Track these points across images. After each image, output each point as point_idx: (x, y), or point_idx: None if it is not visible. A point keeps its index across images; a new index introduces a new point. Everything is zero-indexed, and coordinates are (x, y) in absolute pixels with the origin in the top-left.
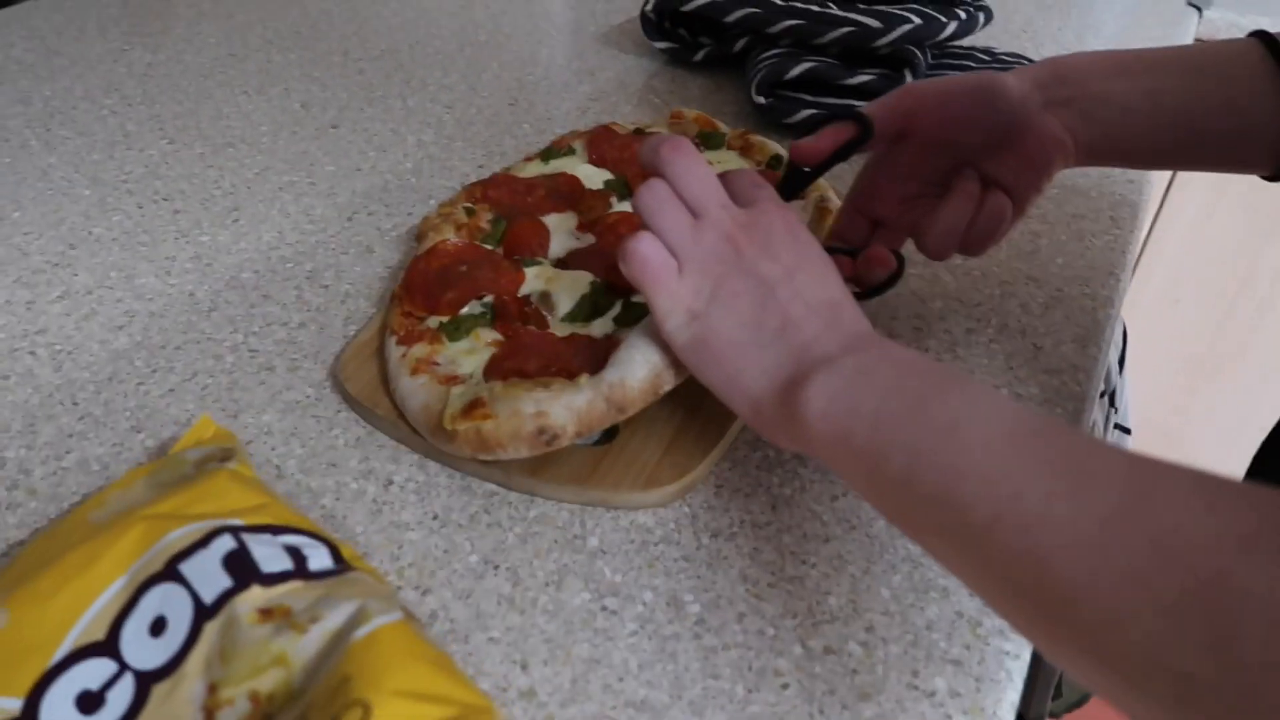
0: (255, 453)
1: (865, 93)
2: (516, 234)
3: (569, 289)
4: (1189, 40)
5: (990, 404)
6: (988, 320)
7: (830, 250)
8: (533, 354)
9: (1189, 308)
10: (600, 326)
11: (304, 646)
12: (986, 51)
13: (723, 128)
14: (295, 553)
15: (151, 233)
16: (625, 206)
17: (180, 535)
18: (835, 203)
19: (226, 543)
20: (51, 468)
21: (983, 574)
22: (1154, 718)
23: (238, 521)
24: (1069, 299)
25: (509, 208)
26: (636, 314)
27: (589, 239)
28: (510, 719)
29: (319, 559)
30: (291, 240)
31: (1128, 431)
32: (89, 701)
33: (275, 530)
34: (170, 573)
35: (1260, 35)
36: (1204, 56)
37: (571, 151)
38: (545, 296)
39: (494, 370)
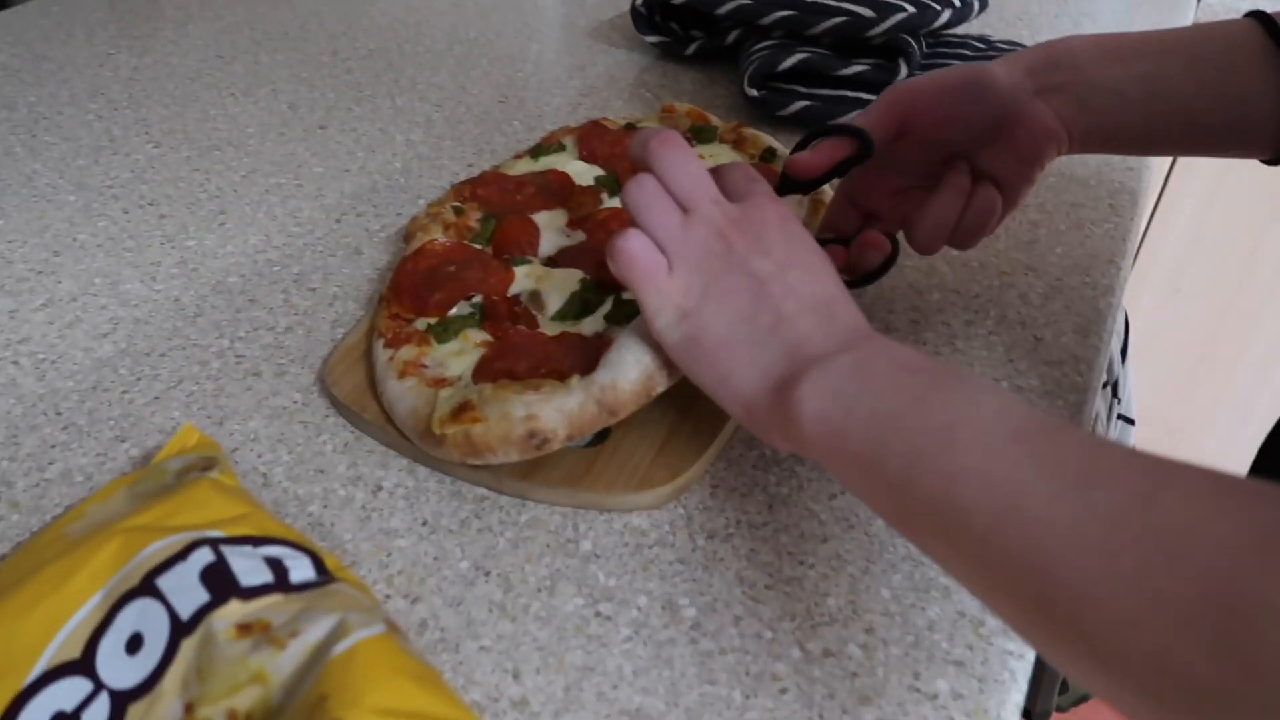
0: (241, 460)
1: (859, 83)
2: (505, 232)
3: (559, 287)
4: (1188, 24)
5: (991, 402)
6: (986, 312)
7: (822, 241)
8: (522, 355)
9: (1192, 296)
10: (591, 324)
11: (282, 663)
12: (981, 39)
13: (715, 121)
14: (276, 564)
15: (137, 238)
16: (616, 203)
17: (158, 549)
18: (829, 195)
19: (205, 556)
20: (34, 479)
21: (985, 579)
22: None
23: (217, 533)
24: (1069, 289)
25: (498, 206)
26: (628, 311)
27: (579, 236)
28: None
29: (300, 570)
30: (278, 243)
31: (1131, 422)
32: None
33: (256, 541)
34: (147, 587)
35: (1257, 15)
36: (1201, 39)
37: (562, 148)
38: (535, 295)
39: (483, 372)
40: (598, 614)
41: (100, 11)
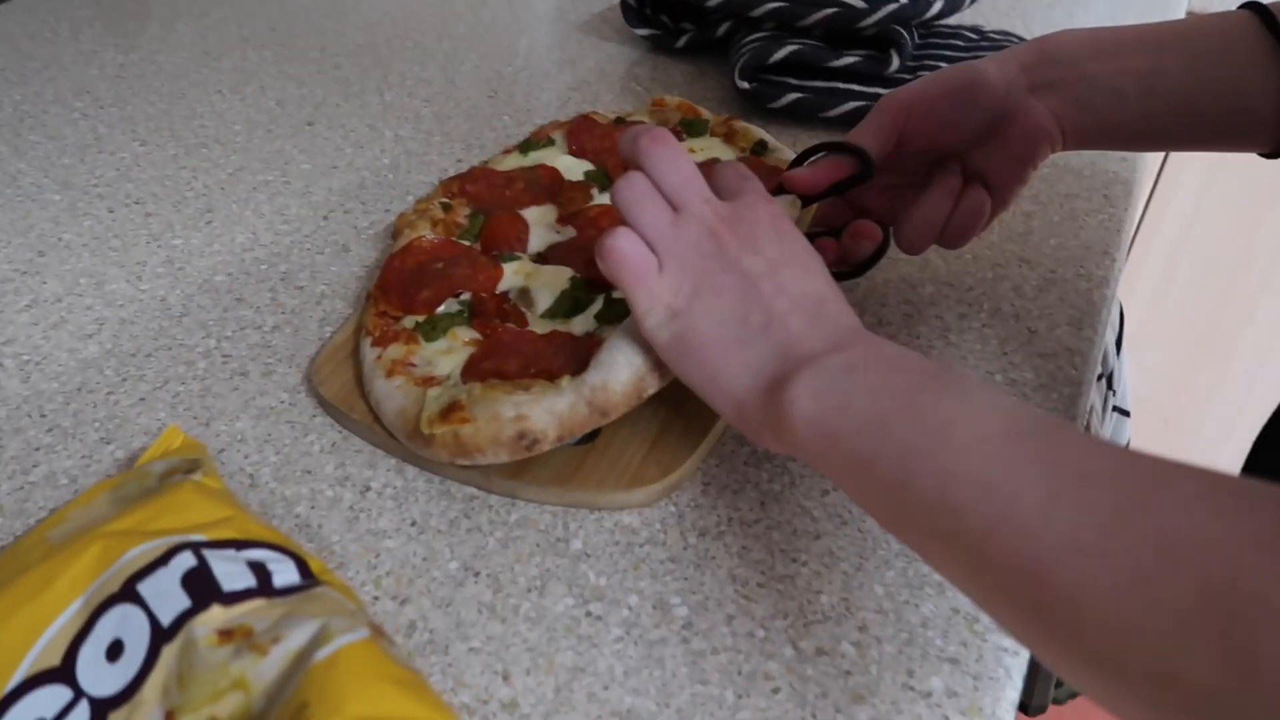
0: (228, 461)
1: (851, 74)
2: (494, 228)
3: (549, 284)
4: (1181, 15)
5: (985, 401)
6: (980, 305)
7: (813, 235)
8: (512, 354)
9: (1187, 286)
10: (581, 324)
11: (264, 669)
12: (974, 30)
13: (706, 114)
14: (259, 568)
15: (122, 237)
16: (606, 198)
17: (139, 553)
18: None
19: (186, 560)
20: (18, 483)
21: (981, 582)
22: None
23: (200, 537)
24: (1063, 280)
25: (487, 202)
26: (619, 311)
27: (569, 232)
28: None
29: (284, 574)
30: (266, 241)
31: (1127, 414)
32: None
33: (240, 545)
34: (128, 593)
35: (1253, 7)
36: (1197, 32)
37: (551, 143)
38: (524, 293)
39: (472, 371)
40: (588, 614)
41: (86, 9)
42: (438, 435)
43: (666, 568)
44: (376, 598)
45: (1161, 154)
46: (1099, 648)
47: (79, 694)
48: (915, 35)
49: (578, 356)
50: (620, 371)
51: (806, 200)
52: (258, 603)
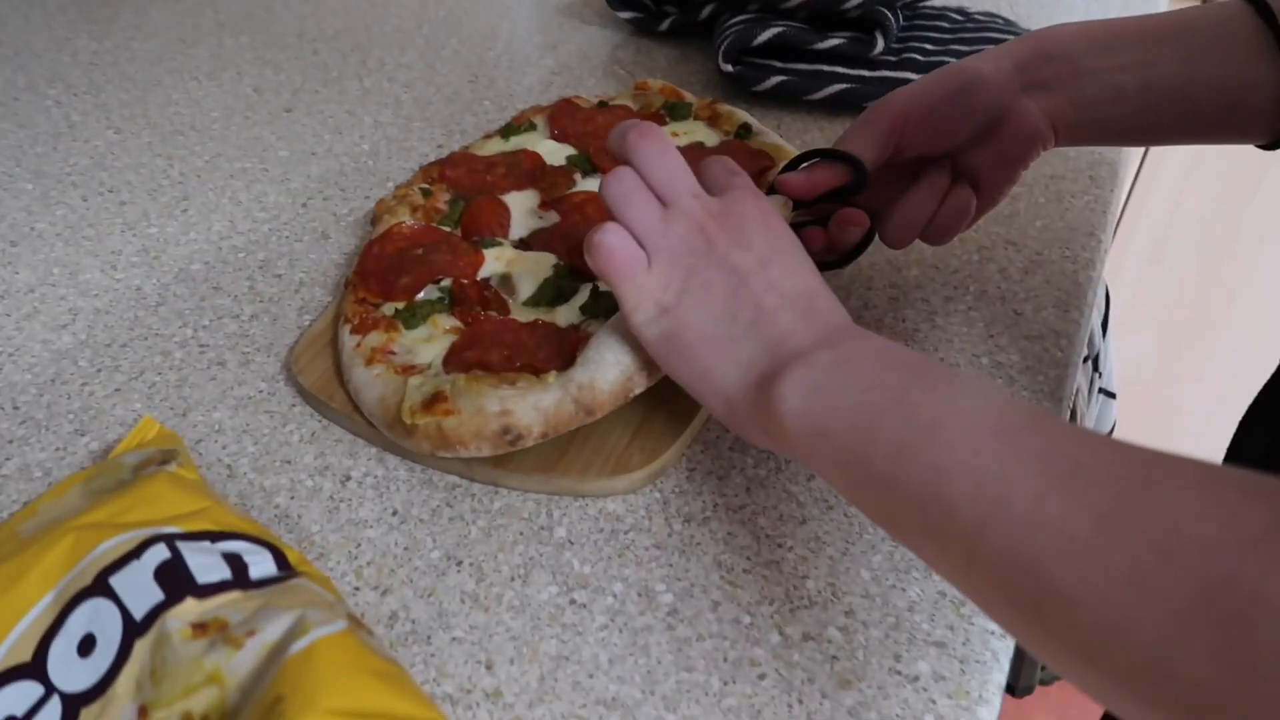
0: (205, 452)
1: (835, 57)
2: (475, 214)
3: (531, 271)
4: None
5: (976, 396)
6: (966, 287)
7: (800, 224)
8: (495, 343)
9: (1172, 267)
10: (566, 315)
11: (239, 662)
12: (959, 11)
13: (689, 98)
14: (235, 560)
15: (97, 226)
16: (589, 183)
17: (111, 546)
18: None
19: (160, 553)
20: None
21: (974, 579)
22: None
23: (174, 529)
24: (1049, 262)
25: (467, 187)
26: (605, 304)
27: (552, 218)
28: None
29: (260, 566)
30: (243, 229)
31: (1113, 396)
32: None
33: (215, 536)
34: (100, 587)
35: None
36: (1193, 25)
37: (533, 127)
38: (506, 279)
39: (454, 360)
40: (572, 602)
41: None
42: (420, 426)
43: (651, 554)
44: (357, 588)
45: None
46: (1094, 644)
47: (50, 690)
48: (900, 17)
49: (563, 349)
50: (608, 370)
51: (799, 206)
52: (233, 595)
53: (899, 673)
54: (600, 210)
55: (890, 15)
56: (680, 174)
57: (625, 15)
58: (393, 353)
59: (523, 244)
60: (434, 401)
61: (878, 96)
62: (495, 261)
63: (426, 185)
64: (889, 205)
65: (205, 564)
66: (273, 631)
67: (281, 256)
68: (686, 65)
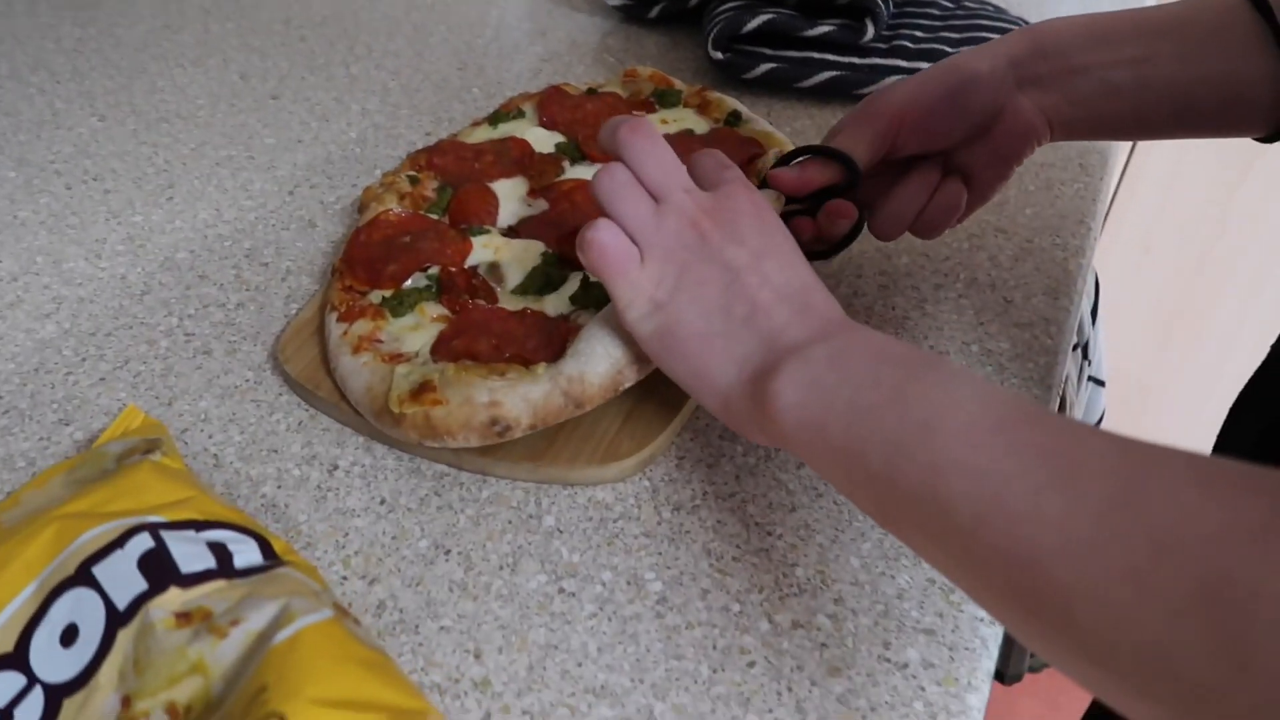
0: (191, 441)
1: (825, 44)
2: (463, 201)
3: (519, 259)
4: None
5: (973, 392)
6: (956, 275)
7: (789, 214)
8: (483, 333)
9: (1162, 255)
10: (555, 304)
11: (223, 652)
12: None
13: (679, 85)
14: (220, 549)
15: (81, 214)
16: (578, 171)
17: (94, 536)
18: None
19: (144, 542)
20: None
21: (971, 575)
22: None
23: (158, 518)
24: (1039, 250)
25: (455, 175)
26: (595, 295)
27: (541, 205)
28: (463, 711)
29: (246, 555)
30: (229, 217)
31: (1102, 384)
32: None
33: (199, 526)
34: (82, 576)
35: None
36: (1188, 18)
37: (521, 114)
38: (494, 267)
39: (442, 349)
40: (561, 590)
41: None
42: (407, 415)
43: (640, 543)
44: (345, 577)
45: None
46: (1091, 639)
47: (33, 680)
48: (890, 4)
49: (552, 340)
50: (598, 363)
51: (790, 200)
52: (217, 584)
53: (888, 660)
54: (589, 199)
55: (880, 2)
56: (672, 169)
57: (615, 2)
58: (380, 341)
59: (511, 232)
60: (422, 391)
61: (868, 84)
62: (483, 249)
63: (414, 173)
64: (879, 198)
65: (189, 553)
66: (257, 620)
67: (268, 245)
68: (676, 52)
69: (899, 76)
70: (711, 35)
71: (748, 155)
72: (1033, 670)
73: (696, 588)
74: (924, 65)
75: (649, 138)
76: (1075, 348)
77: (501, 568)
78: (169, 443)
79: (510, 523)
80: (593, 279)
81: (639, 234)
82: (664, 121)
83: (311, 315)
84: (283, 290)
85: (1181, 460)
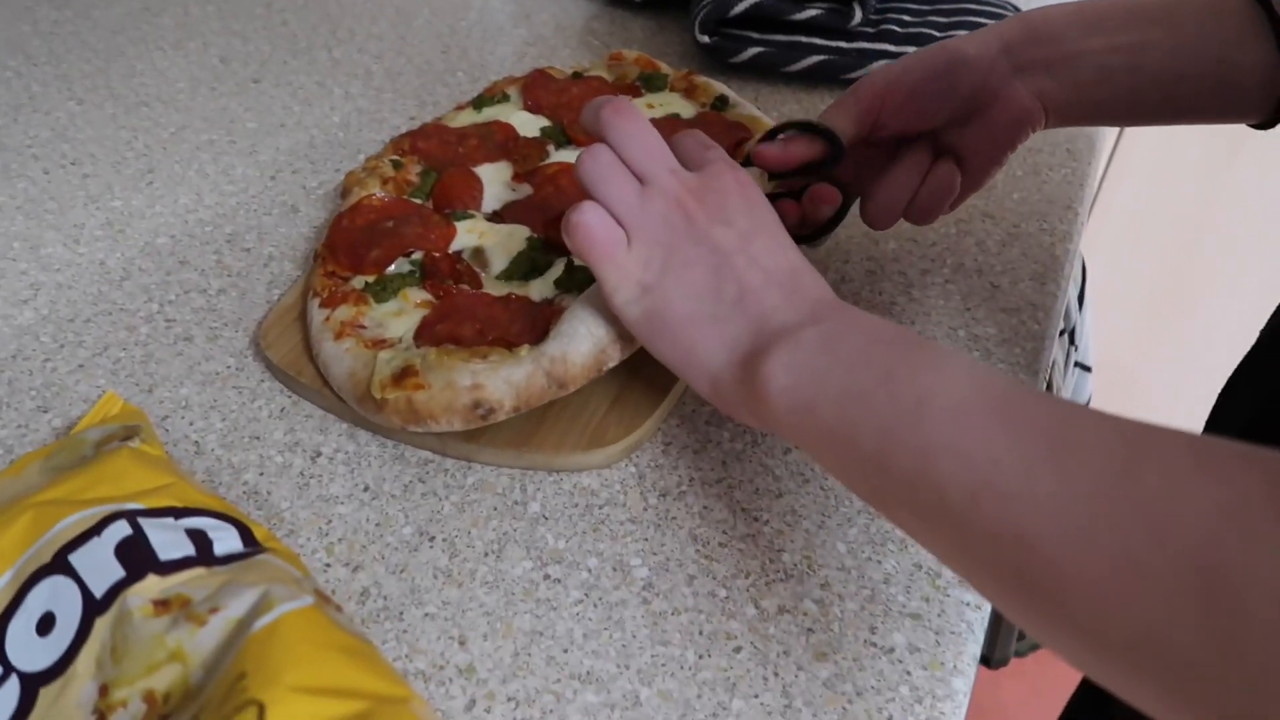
0: (172, 428)
1: (812, 28)
2: (446, 186)
3: (504, 245)
4: None
5: (964, 373)
6: (943, 260)
7: (774, 196)
8: (467, 318)
9: (1149, 242)
10: (539, 289)
11: (202, 640)
12: None
13: (665, 69)
14: (199, 536)
15: (59, 199)
16: (563, 155)
17: (71, 523)
18: None
19: (121, 529)
20: None
21: (963, 556)
22: (1153, 705)
23: (136, 505)
24: (1026, 235)
25: (439, 159)
26: (579, 278)
27: (526, 190)
28: (448, 698)
29: (225, 542)
30: (210, 202)
31: (1088, 369)
32: None
33: (178, 513)
34: (59, 564)
35: None
36: (1182, 3)
37: (506, 98)
38: (478, 253)
39: (426, 334)
40: (547, 577)
41: None
42: (390, 400)
43: (626, 529)
44: (328, 565)
45: None
46: (1083, 618)
47: (9, 669)
48: None
49: (536, 324)
50: (581, 343)
51: (774, 177)
52: (196, 571)
53: (874, 644)
54: (574, 183)
55: None
56: (657, 150)
57: None
58: (362, 326)
59: (496, 217)
60: (404, 375)
61: (855, 68)
62: (467, 234)
63: (397, 157)
64: (870, 186)
65: (168, 540)
66: (237, 608)
67: (250, 230)
68: (663, 36)
69: (886, 61)
70: (698, 19)
71: (735, 140)
72: (1019, 655)
73: (683, 573)
74: (911, 50)
75: (633, 118)
76: (1062, 333)
77: (486, 554)
78: (148, 429)
79: (495, 509)
80: (578, 263)
81: (625, 216)
82: (650, 106)
83: (294, 301)
84: (265, 276)
85: (1174, 439)
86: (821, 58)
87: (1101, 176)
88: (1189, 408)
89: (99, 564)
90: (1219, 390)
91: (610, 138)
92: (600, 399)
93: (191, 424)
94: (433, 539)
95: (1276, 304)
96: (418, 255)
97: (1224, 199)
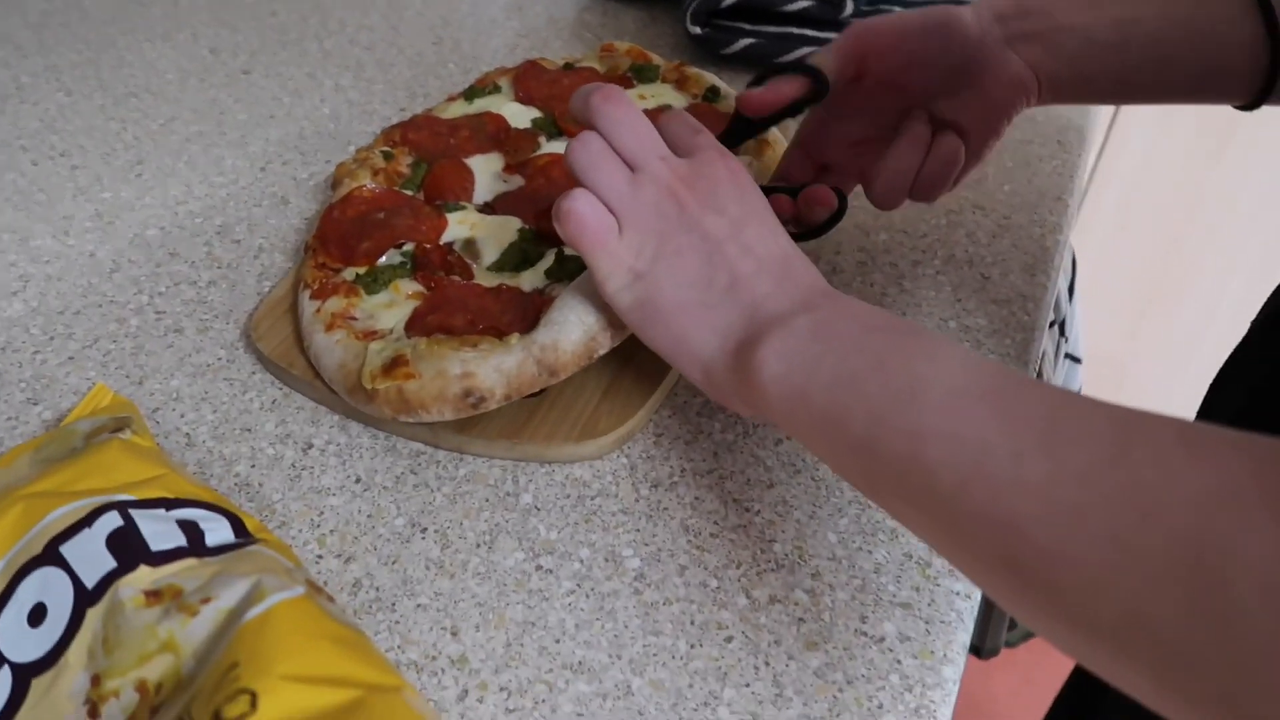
0: (163, 420)
1: (804, 19)
2: (438, 177)
3: (496, 236)
4: None
5: (955, 360)
6: (934, 251)
7: (770, 190)
8: (458, 308)
9: (1139, 234)
10: (530, 279)
11: (194, 630)
12: None
13: (657, 60)
14: (190, 527)
15: (48, 191)
16: (554, 146)
17: (62, 515)
18: (775, 134)
19: (112, 520)
20: None
21: (954, 542)
22: (1141, 688)
23: (127, 496)
24: (1016, 226)
25: (430, 150)
26: (570, 268)
27: (517, 181)
28: (440, 688)
29: (217, 533)
30: (200, 194)
31: (1078, 361)
32: None
33: (170, 504)
34: (50, 556)
35: None
36: None
37: (497, 89)
38: (470, 244)
39: (417, 325)
40: (539, 568)
41: None
42: (380, 390)
43: (618, 520)
44: (320, 556)
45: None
46: (1072, 602)
47: (0, 660)
48: None
49: (527, 314)
50: (571, 330)
51: (763, 123)
52: (188, 562)
53: (865, 634)
54: (566, 174)
55: None
56: (647, 137)
57: None
58: (353, 318)
59: (487, 208)
60: (395, 365)
61: None
62: (459, 226)
63: (388, 148)
64: (873, 166)
65: (159, 531)
66: (228, 598)
67: (240, 222)
68: (654, 27)
69: None
70: (690, 10)
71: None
72: (1009, 645)
73: (674, 564)
74: None
75: (622, 105)
76: (1052, 325)
77: (479, 545)
78: (139, 421)
79: (487, 500)
80: (569, 252)
81: (616, 204)
82: (642, 97)
83: (284, 293)
84: (255, 268)
85: (1162, 425)
86: (813, 49)
87: (1092, 170)
88: (1179, 400)
89: (90, 555)
90: (1209, 382)
91: (600, 125)
92: (592, 390)
93: (182, 416)
94: (425, 530)
95: (1266, 297)
96: (409, 247)
97: (1213, 193)
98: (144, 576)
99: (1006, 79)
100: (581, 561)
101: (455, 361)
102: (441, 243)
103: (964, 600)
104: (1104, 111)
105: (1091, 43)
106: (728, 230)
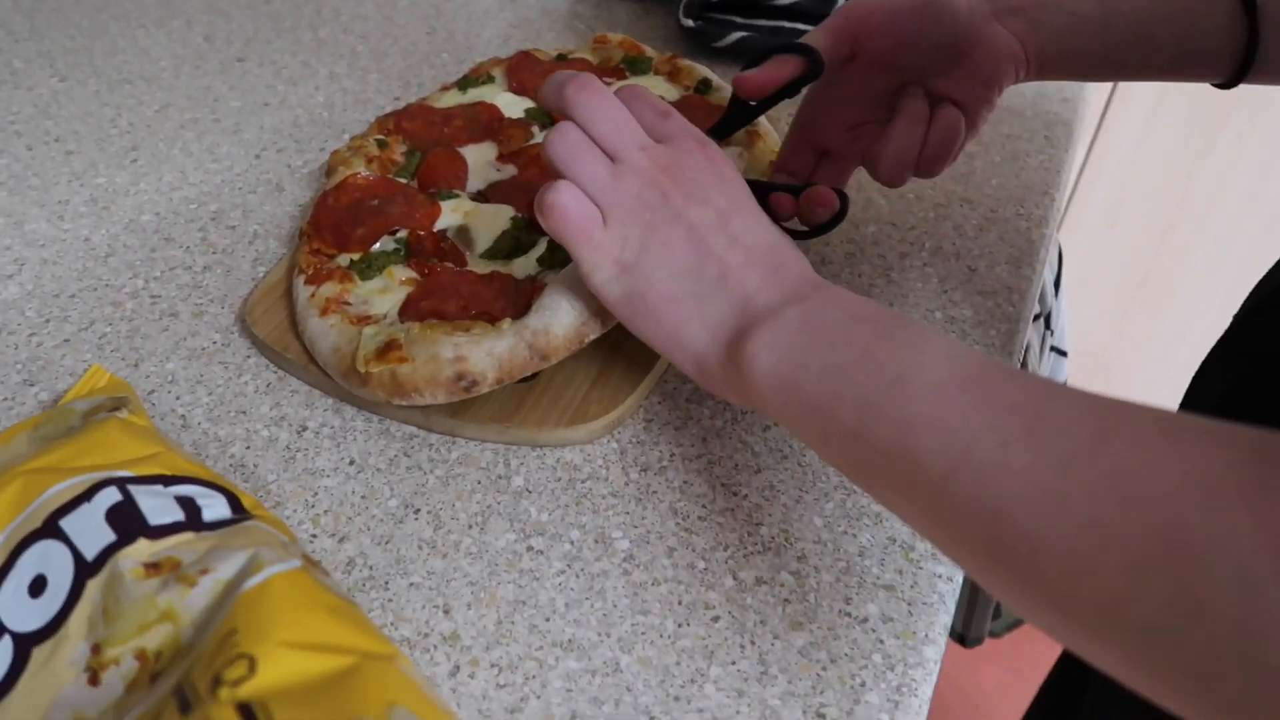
0: (159, 403)
1: (796, 13)
2: (431, 166)
3: (488, 224)
4: None
5: (942, 350)
6: (921, 244)
7: (773, 188)
8: (451, 294)
9: (1126, 229)
10: (522, 266)
11: (193, 600)
12: None
13: (649, 52)
14: (188, 503)
15: (42, 176)
16: None
17: (61, 489)
18: (765, 126)
19: (111, 495)
20: None
21: (941, 528)
22: (1120, 669)
23: (125, 473)
24: (1003, 220)
25: (424, 139)
26: (562, 256)
27: (510, 170)
28: (432, 664)
29: (214, 509)
30: (195, 180)
31: (1064, 354)
32: None
33: (167, 480)
34: (50, 529)
35: None
36: None
37: (490, 80)
38: (463, 232)
39: (410, 311)
40: (530, 548)
41: None
42: (374, 374)
43: (608, 503)
44: (314, 535)
45: (1104, 97)
46: (1055, 588)
47: (1, 630)
48: None
49: (519, 300)
50: (562, 316)
51: (759, 106)
52: (186, 536)
53: (849, 614)
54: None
55: None
56: (625, 126)
57: None
58: (348, 303)
59: (480, 197)
60: (388, 349)
61: None
62: (452, 214)
63: (382, 137)
64: (876, 145)
65: (157, 506)
66: (226, 569)
67: (235, 208)
68: (647, 20)
69: None
70: (683, 3)
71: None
72: (994, 635)
73: (663, 546)
74: None
75: (598, 94)
76: (1038, 318)
77: (470, 526)
78: (135, 401)
79: (479, 483)
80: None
81: (599, 195)
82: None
83: (279, 278)
84: (250, 253)
85: (1145, 414)
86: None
87: (1081, 166)
88: (1164, 394)
89: (90, 528)
90: (1195, 371)
91: (577, 115)
92: (583, 376)
93: (178, 398)
94: (418, 511)
95: (1249, 291)
96: (403, 233)
97: (1200, 188)
98: (143, 549)
99: (996, 52)
100: (572, 543)
101: (448, 346)
102: (435, 230)
103: (946, 583)
104: (1093, 108)
105: (1076, 19)
106: (714, 220)
